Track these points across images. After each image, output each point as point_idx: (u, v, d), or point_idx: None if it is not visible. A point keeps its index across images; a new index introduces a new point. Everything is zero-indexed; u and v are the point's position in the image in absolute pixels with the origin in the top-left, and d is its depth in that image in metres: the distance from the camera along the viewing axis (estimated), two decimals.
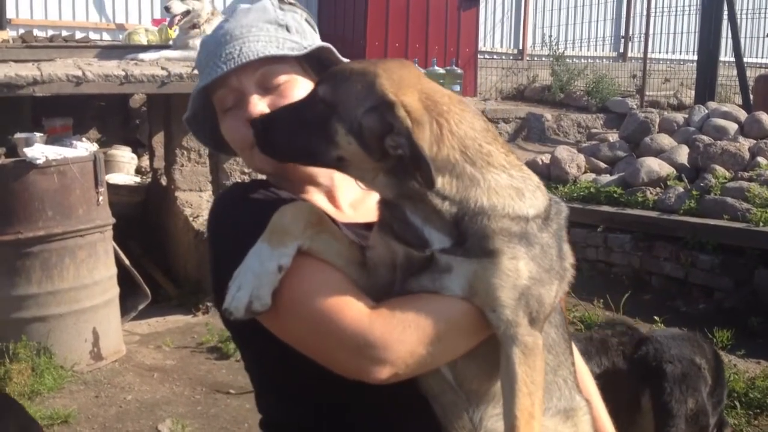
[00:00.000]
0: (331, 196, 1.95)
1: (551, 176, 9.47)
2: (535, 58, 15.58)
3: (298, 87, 1.86)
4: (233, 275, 1.56)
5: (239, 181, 2.21)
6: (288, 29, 1.91)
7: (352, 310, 1.55)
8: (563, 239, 1.66)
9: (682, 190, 8.37)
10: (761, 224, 7.46)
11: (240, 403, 5.58)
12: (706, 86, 12.51)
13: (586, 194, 8.93)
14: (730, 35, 12.71)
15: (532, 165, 9.74)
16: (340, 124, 1.54)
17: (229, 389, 5.79)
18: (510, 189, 1.57)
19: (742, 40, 13.28)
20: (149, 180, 10.00)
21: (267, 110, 1.80)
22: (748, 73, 12.59)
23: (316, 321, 1.56)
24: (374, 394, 1.60)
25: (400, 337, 1.53)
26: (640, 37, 16.02)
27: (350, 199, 1.98)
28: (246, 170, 7.31)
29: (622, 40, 17.04)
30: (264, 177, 1.98)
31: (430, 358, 1.58)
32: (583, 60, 15.59)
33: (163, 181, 9.13)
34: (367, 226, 1.76)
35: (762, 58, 14.69)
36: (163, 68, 7.27)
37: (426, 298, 1.57)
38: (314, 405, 1.79)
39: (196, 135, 2.05)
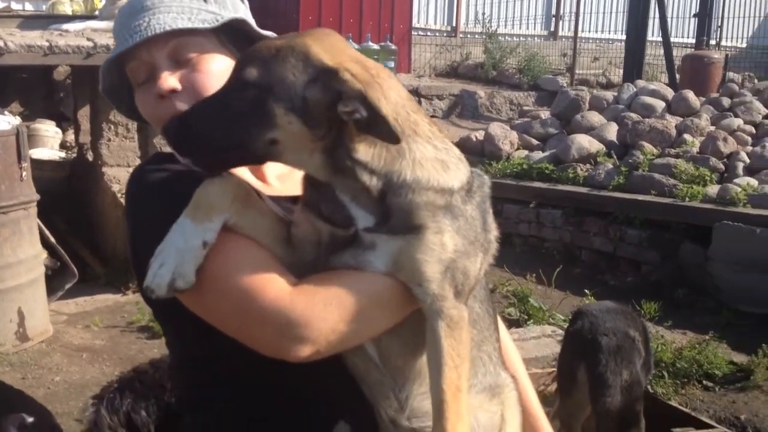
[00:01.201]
0: (256, 168, 1.87)
1: (485, 153, 9.54)
2: (469, 36, 15.64)
3: (213, 61, 1.77)
4: (155, 251, 1.50)
5: (157, 152, 2.12)
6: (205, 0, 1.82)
7: (273, 287, 1.51)
8: (487, 211, 1.65)
9: (611, 166, 8.53)
10: (687, 199, 7.66)
11: None
12: (634, 65, 12.73)
13: (519, 171, 9.04)
14: (657, 15, 12.96)
15: (466, 141, 9.81)
16: (278, 105, 1.46)
17: None
18: (435, 161, 1.55)
19: (670, 20, 13.54)
20: (74, 155, 9.69)
21: (177, 85, 1.72)
22: (674, 53, 12.86)
23: (238, 299, 1.51)
24: (298, 374, 1.57)
25: (321, 314, 1.49)
26: (570, 16, 16.19)
27: (277, 171, 1.91)
28: None
29: (553, 19, 17.23)
30: None
31: (352, 335, 1.55)
32: (515, 38, 15.71)
33: (89, 156, 8.87)
34: (294, 200, 1.70)
35: (688, 38, 14.97)
36: (88, 39, 7.01)
37: (348, 274, 1.54)
38: (235, 385, 1.73)
39: (117, 107, 1.95)
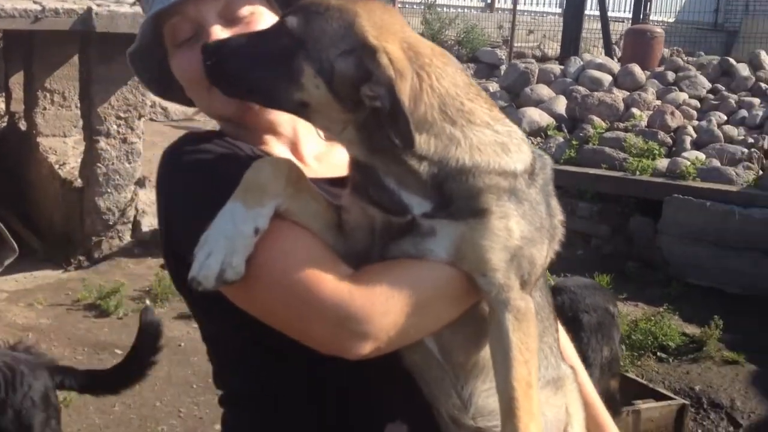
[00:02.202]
0: (294, 148, 1.74)
1: None
2: (407, 6, 15.51)
3: (265, 21, 1.63)
4: (200, 240, 1.36)
5: (192, 130, 1.94)
6: None
7: (330, 279, 1.38)
8: (551, 194, 1.54)
9: (562, 140, 8.56)
10: (637, 173, 7.72)
11: None
12: (571, 39, 12.80)
13: None
14: None
15: None
16: (308, 63, 1.35)
17: (115, 348, 5.45)
18: (494, 145, 1.43)
19: None
20: (5, 124, 9.27)
21: None
22: (612, 27, 13.00)
23: (291, 291, 1.38)
24: (350, 370, 1.45)
25: (383, 308, 1.38)
26: None
27: (315, 151, 1.77)
28: (122, 114, 6.84)
29: None
30: (217, 128, 1.75)
31: (414, 330, 1.44)
32: (453, 9, 15.66)
33: (22, 125, 8.51)
34: (333, 182, 1.58)
35: (625, 12, 15.17)
36: (35, 2, 6.63)
37: (409, 264, 1.42)
38: (282, 380, 1.61)
39: (139, 74, 1.77)
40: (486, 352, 1.51)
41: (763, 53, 10.04)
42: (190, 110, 10.58)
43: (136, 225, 7.08)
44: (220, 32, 1.57)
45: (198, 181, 1.53)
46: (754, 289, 6.80)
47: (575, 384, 1.69)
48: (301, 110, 1.41)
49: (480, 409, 1.55)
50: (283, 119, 1.68)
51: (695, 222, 7.12)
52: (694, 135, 8.31)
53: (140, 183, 7.26)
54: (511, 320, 1.42)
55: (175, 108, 10.43)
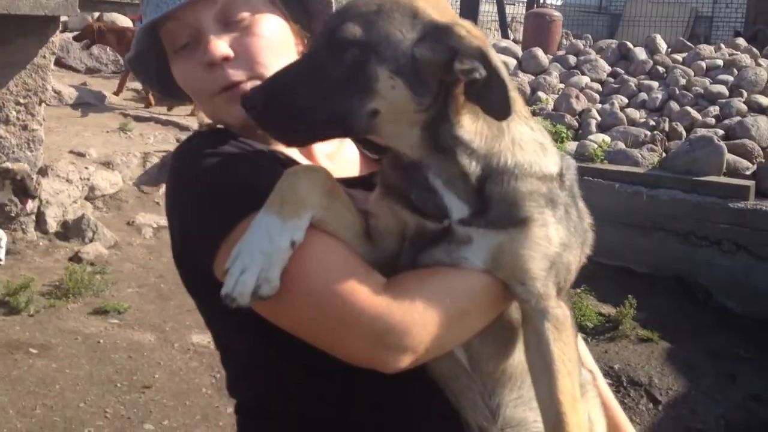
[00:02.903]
0: (307, 147, 1.66)
1: None
2: None
3: (267, 21, 1.55)
4: (232, 254, 1.28)
5: (199, 129, 1.79)
6: None
7: (366, 290, 1.32)
8: (577, 196, 1.51)
9: None
10: None
11: (45, 363, 4.99)
12: (469, 20, 12.90)
13: None
14: None
15: None
16: (383, 67, 1.27)
17: (30, 348, 5.16)
18: (534, 143, 1.39)
19: None
20: None
21: (230, 52, 1.49)
22: (508, 10, 13.20)
23: (326, 304, 1.32)
24: (374, 379, 1.39)
25: (422, 320, 1.33)
26: None
27: (326, 149, 1.70)
28: (21, 100, 6.43)
29: None
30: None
31: (451, 340, 1.40)
32: None
33: None
34: (347, 182, 1.51)
35: None
36: None
37: (444, 272, 1.37)
38: (305, 389, 1.54)
39: (140, 78, 1.68)
40: (514, 361, 1.49)
41: (658, 37, 10.38)
42: (83, 93, 10.12)
43: (40, 216, 6.71)
44: (218, 42, 1.49)
45: (216, 185, 1.44)
46: (662, 268, 7.06)
47: (595, 390, 1.67)
48: (369, 124, 1.32)
49: (508, 419, 1.52)
50: None
51: (605, 203, 7.30)
52: (599, 118, 8.53)
53: (42, 172, 6.88)
54: (551, 330, 1.38)
55: (69, 91, 9.94)
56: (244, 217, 1.37)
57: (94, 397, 4.71)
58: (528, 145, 1.37)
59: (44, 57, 6.44)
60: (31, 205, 6.36)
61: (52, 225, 6.78)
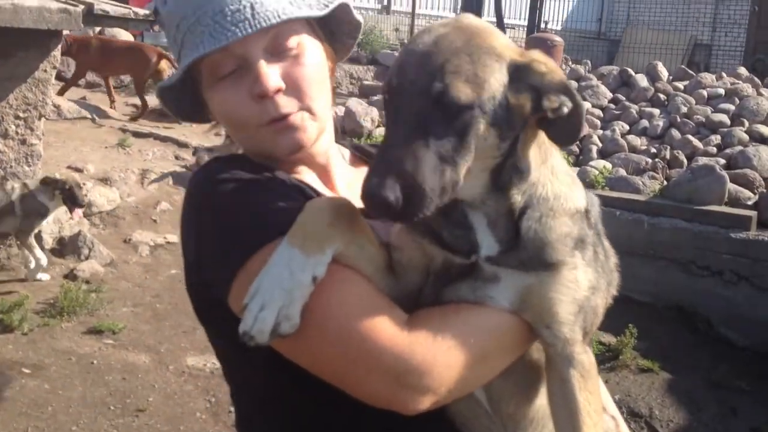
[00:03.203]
0: (325, 176, 1.64)
1: (346, 130, 9.34)
2: None
3: (314, 50, 1.52)
4: (251, 290, 1.24)
5: (218, 155, 1.74)
6: None
7: (388, 328, 1.28)
8: (602, 234, 1.48)
9: None
10: None
11: (38, 383, 4.90)
12: None
13: None
14: None
15: None
16: (485, 122, 1.21)
17: (22, 367, 5.06)
18: (566, 175, 1.37)
19: (504, 2, 13.92)
20: None
21: (281, 83, 1.45)
22: (508, 34, 13.19)
23: (346, 342, 1.27)
24: (392, 418, 1.33)
25: (445, 360, 1.28)
26: None
27: (345, 178, 1.68)
28: (21, 114, 6.35)
29: None
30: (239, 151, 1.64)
31: (474, 381, 1.36)
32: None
33: None
34: (367, 213, 1.46)
35: (521, 20, 15.45)
36: None
37: (469, 310, 1.33)
38: (319, 419, 1.50)
39: (169, 107, 1.62)
40: (536, 404, 1.44)
41: (660, 65, 10.39)
42: (83, 109, 10.07)
43: (36, 232, 6.64)
44: (270, 72, 1.45)
45: (233, 214, 1.40)
46: (662, 297, 6.99)
47: None
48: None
49: None
50: (321, 150, 1.59)
51: (605, 231, 7.24)
52: (600, 144, 8.50)
53: None
54: (577, 378, 1.34)
55: (69, 106, 9.88)
56: (262, 247, 1.33)
57: (87, 420, 4.61)
58: (563, 177, 1.35)
59: (45, 71, 6.38)
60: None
61: (48, 241, 6.70)
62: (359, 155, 1.80)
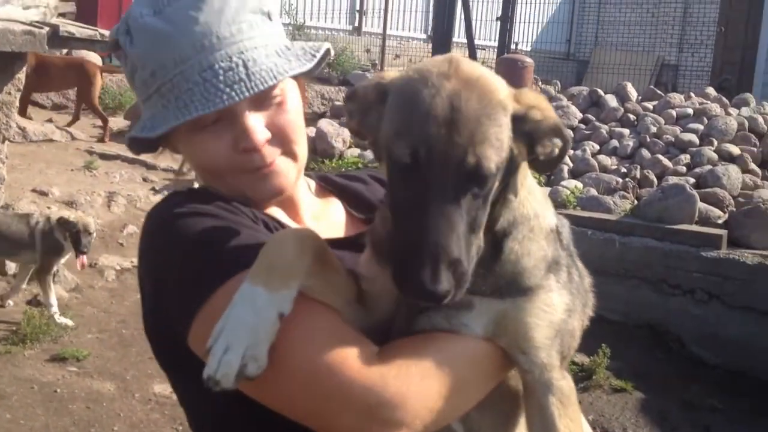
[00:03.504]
0: (292, 208, 1.61)
1: (317, 150, 9.29)
2: None
3: (292, 94, 1.52)
4: (214, 332, 1.17)
5: (177, 189, 1.69)
6: (270, 17, 1.51)
7: (358, 362, 1.22)
8: (576, 255, 1.45)
9: None
10: None
11: None
12: None
13: (354, 169, 8.84)
14: (463, 17, 13.31)
15: None
16: (498, 177, 1.21)
17: None
18: (540, 193, 1.36)
19: (474, 23, 13.97)
20: None
21: (268, 134, 1.45)
22: (478, 55, 13.27)
23: (317, 379, 1.22)
24: None
25: (419, 391, 1.23)
26: (374, 12, 16.34)
27: (311, 210, 1.65)
28: None
29: (357, 14, 17.28)
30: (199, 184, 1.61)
31: (449, 413, 1.30)
32: (321, 31, 15.56)
33: None
34: (334, 244, 1.42)
35: (491, 41, 15.50)
36: None
37: (442, 339, 1.29)
38: None
39: (136, 148, 1.58)
40: None
41: (629, 85, 10.46)
42: (48, 130, 9.92)
43: None
44: (257, 124, 1.44)
45: (194, 249, 1.35)
46: (634, 316, 6.99)
47: None
48: None
49: None
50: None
51: (577, 250, 7.24)
52: (571, 164, 8.51)
53: None
54: (556, 405, 1.29)
55: (34, 128, 9.74)
56: (224, 284, 1.27)
57: None
58: (537, 195, 1.34)
59: (9, 93, 6.28)
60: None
61: (11, 266, 6.55)
62: (324, 186, 1.78)
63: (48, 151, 9.51)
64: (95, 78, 10.03)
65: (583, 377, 6.14)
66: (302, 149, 1.54)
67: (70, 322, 6.04)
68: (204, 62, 1.40)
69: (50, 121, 10.74)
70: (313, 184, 1.75)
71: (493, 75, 1.23)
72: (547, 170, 1.30)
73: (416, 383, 1.22)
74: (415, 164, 1.13)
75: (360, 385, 1.20)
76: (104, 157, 9.43)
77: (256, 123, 1.44)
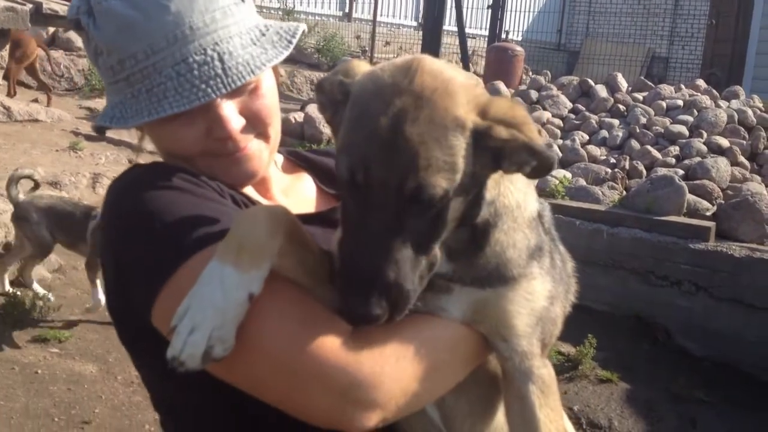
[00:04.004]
0: (261, 183, 1.57)
1: (305, 136, 9.21)
2: (265, 11, 15.18)
3: (265, 76, 1.48)
4: (178, 311, 1.12)
5: (138, 162, 1.63)
6: None
7: (331, 342, 1.18)
8: (558, 239, 1.43)
9: None
10: None
11: None
12: (431, 53, 12.89)
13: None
14: (453, 5, 13.26)
15: (284, 123, 9.40)
16: (455, 196, 1.15)
17: None
18: (520, 181, 1.31)
19: (465, 11, 13.92)
20: None
21: (243, 121, 1.42)
22: (469, 43, 13.22)
23: (288, 360, 1.18)
24: None
25: (393, 372, 1.19)
26: None
27: (282, 184, 1.63)
28: None
29: (347, 1, 17.20)
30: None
31: (424, 396, 1.26)
32: (311, 17, 15.47)
33: None
34: (304, 219, 1.37)
35: (482, 29, 15.46)
36: None
37: (419, 321, 1.25)
38: None
39: (101, 131, 1.57)
40: (494, 423, 1.37)
41: (620, 76, 10.42)
42: (34, 110, 9.79)
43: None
44: (231, 112, 1.40)
45: (157, 222, 1.29)
46: (621, 307, 6.98)
47: None
48: None
49: None
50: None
51: (565, 240, 7.21)
52: (560, 154, 8.48)
53: None
54: (537, 394, 1.27)
55: (19, 108, 9.62)
56: (188, 258, 1.22)
57: None
58: (519, 183, 1.29)
59: None
60: None
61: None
62: (294, 160, 1.74)
63: (33, 131, 9.38)
64: (29, 50, 9.67)
65: (569, 367, 6.12)
66: (275, 130, 1.50)
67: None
68: (177, 55, 1.34)
69: (36, 101, 10.61)
70: (280, 159, 1.71)
71: (457, 84, 1.15)
72: (533, 178, 1.25)
73: (391, 364, 1.19)
74: (355, 184, 1.10)
75: (333, 365, 1.16)
76: (90, 138, 9.33)
77: (231, 112, 1.40)
